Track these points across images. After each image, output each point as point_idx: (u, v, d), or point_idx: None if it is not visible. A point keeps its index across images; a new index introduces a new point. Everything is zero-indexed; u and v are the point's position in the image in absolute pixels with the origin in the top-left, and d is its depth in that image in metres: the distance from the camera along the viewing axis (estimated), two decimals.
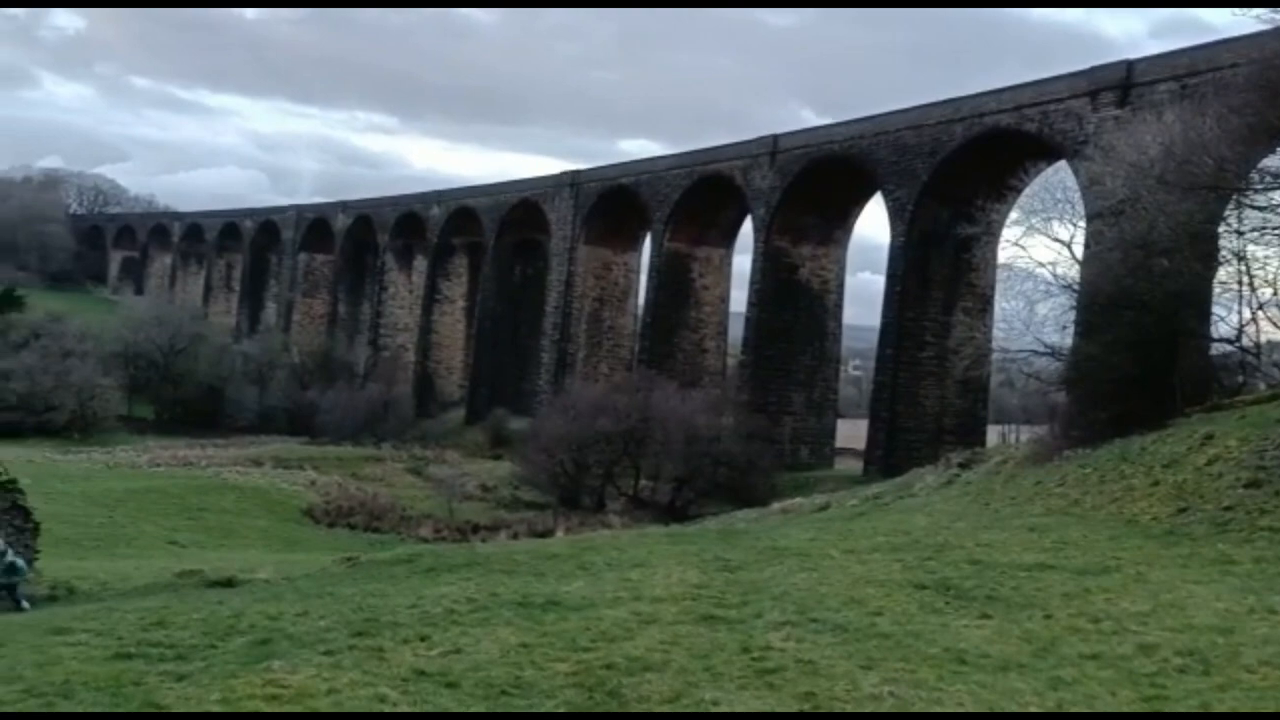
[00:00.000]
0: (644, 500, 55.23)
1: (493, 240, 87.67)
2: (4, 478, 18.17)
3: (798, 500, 32.79)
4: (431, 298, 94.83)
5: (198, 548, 35.24)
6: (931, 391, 54.94)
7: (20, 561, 15.96)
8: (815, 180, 61.55)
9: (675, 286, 71.85)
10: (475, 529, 46.20)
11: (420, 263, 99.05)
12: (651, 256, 73.11)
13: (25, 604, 14.77)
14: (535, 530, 43.58)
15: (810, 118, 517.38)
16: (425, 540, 40.48)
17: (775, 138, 63.76)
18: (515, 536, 40.12)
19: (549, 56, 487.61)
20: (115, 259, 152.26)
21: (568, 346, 78.15)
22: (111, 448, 68.53)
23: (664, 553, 14.45)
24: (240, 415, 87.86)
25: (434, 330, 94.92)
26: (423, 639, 9.13)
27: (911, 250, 54.63)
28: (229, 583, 16.35)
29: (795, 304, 64.56)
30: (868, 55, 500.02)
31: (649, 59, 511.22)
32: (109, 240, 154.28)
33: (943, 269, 54.96)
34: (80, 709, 7.03)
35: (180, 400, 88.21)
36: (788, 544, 15.01)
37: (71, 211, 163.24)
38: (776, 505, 32.51)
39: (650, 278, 73.00)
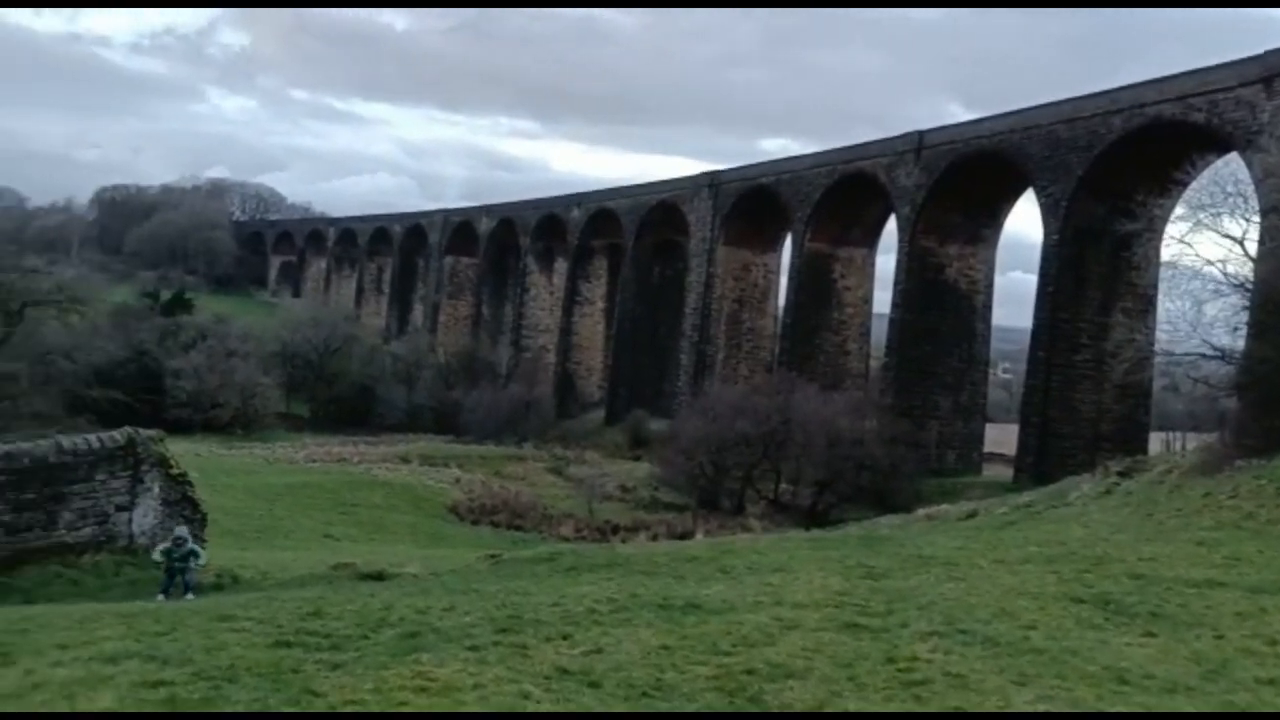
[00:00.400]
0: (784, 504, 54.71)
1: (632, 242, 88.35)
2: (176, 471, 19.15)
3: (944, 507, 31.75)
4: (572, 299, 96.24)
5: (350, 541, 36.62)
6: (1087, 396, 52.71)
7: (200, 549, 16.79)
8: (963, 177, 59.89)
9: (816, 287, 70.99)
10: (615, 529, 46.61)
11: (561, 265, 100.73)
12: (792, 257, 72.38)
13: (190, 594, 15.47)
14: (674, 532, 43.71)
15: (958, 113, 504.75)
16: (566, 539, 41.08)
17: (920, 134, 62.30)
18: (655, 538, 40.35)
19: (689, 58, 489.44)
20: (274, 263, 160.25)
21: (707, 348, 78.10)
22: (271, 444, 71.87)
23: (805, 558, 14.23)
24: (389, 413, 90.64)
25: (574, 331, 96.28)
26: (565, 637, 9.20)
27: (1065, 248, 52.59)
28: (379, 576, 16.78)
29: (941, 305, 62.94)
30: (1017, 47, 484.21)
31: (791, 58, 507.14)
32: (269, 245, 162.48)
33: (1099, 267, 52.70)
34: (244, 693, 7.33)
35: (334, 399, 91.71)
36: (934, 552, 14.56)
37: (235, 218, 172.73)
38: (921, 511, 31.61)
39: (790, 278, 72.26)
